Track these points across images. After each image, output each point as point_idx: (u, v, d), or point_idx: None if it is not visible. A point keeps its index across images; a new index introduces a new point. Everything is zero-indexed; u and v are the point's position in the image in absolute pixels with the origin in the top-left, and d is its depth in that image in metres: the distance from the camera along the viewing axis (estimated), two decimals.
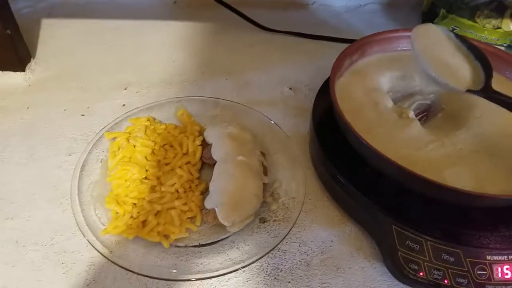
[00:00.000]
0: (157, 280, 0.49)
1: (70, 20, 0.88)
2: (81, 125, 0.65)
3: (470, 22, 0.81)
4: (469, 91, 0.51)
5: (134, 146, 0.57)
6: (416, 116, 0.58)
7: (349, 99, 0.57)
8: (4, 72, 0.71)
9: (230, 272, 0.48)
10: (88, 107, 0.68)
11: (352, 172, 0.52)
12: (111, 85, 0.73)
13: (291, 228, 0.52)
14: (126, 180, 0.54)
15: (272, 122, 0.63)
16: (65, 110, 0.67)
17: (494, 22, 0.81)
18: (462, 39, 0.56)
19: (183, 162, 0.57)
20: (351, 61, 0.62)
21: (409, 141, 0.53)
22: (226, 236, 0.52)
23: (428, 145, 0.53)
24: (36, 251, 0.51)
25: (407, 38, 0.64)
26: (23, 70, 0.72)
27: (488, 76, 0.52)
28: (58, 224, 0.53)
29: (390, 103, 0.58)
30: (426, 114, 0.60)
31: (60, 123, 0.65)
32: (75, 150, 0.61)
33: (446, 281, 0.46)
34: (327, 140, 0.56)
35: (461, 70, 0.54)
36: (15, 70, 0.71)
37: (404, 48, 0.65)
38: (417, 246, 0.48)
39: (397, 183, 0.49)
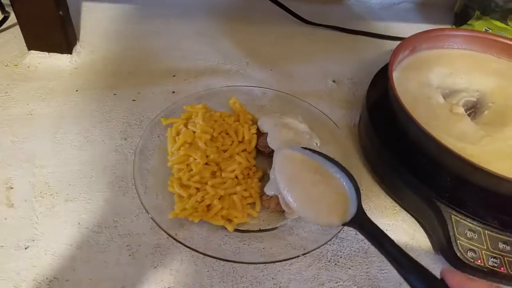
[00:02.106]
0: (223, 263, 0.50)
1: (112, 4, 0.87)
2: (133, 110, 0.65)
3: (502, 25, 0.84)
4: (344, 224, 0.45)
5: (194, 132, 0.57)
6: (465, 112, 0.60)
7: (404, 92, 0.58)
8: (50, 53, 0.71)
9: (294, 257, 0.49)
10: (138, 93, 0.68)
11: (411, 163, 0.54)
12: (159, 71, 0.73)
13: None
14: (187, 165, 0.55)
15: (323, 113, 0.64)
16: (115, 94, 0.67)
17: None
18: (324, 157, 0.50)
19: (240, 150, 0.58)
20: (403, 56, 0.63)
21: (463, 135, 0.55)
22: (285, 222, 0.54)
23: (481, 139, 0.55)
24: (99, 234, 0.51)
25: (454, 36, 0.67)
26: (70, 53, 0.72)
27: (358, 198, 0.46)
28: (120, 207, 0.54)
29: (441, 99, 0.60)
30: (473, 111, 0.62)
31: (112, 107, 0.65)
32: (130, 135, 0.62)
33: (502, 269, 0.48)
34: (383, 132, 0.58)
35: (332, 200, 0.47)
36: (62, 52, 0.71)
37: (450, 47, 0.67)
38: (475, 235, 0.50)
39: (456, 174, 0.51)
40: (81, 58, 0.73)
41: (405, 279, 0.38)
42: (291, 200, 0.47)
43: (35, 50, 0.71)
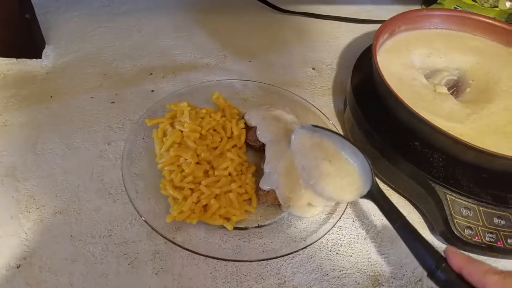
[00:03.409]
0: (225, 263, 0.49)
1: (80, 4, 0.84)
2: (113, 113, 0.63)
3: (470, 1, 0.85)
4: (361, 197, 0.49)
5: (182, 132, 0.56)
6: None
7: (389, 76, 0.58)
8: (19, 59, 0.67)
9: (296, 251, 0.49)
10: (116, 94, 0.66)
11: (402, 146, 0.54)
12: (135, 70, 0.71)
13: (347, 205, 0.53)
14: (178, 166, 0.53)
15: (307, 101, 0.64)
16: (92, 97, 0.65)
17: (492, 1, 0.85)
18: (333, 132, 0.52)
19: (230, 146, 0.57)
20: (383, 40, 0.63)
21: (451, 115, 0.56)
22: (282, 216, 0.53)
23: (468, 117, 0.56)
24: (94, 244, 0.49)
25: (431, 17, 0.68)
26: (39, 57, 0.68)
27: (371, 171, 0.48)
28: (112, 215, 0.52)
29: (424, 79, 0.61)
30: (456, 89, 0.63)
31: (90, 111, 0.63)
32: (113, 139, 0.59)
33: (499, 243, 0.49)
34: (371, 117, 0.57)
35: (346, 177, 0.50)
36: (31, 57, 0.67)
37: (427, 27, 0.68)
38: (470, 213, 0.50)
39: (448, 154, 0.52)
40: (51, 62, 0.70)
41: (412, 253, 0.41)
42: (314, 183, 0.50)
43: (2, 56, 0.67)
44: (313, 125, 0.53)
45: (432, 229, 0.55)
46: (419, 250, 0.41)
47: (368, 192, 0.48)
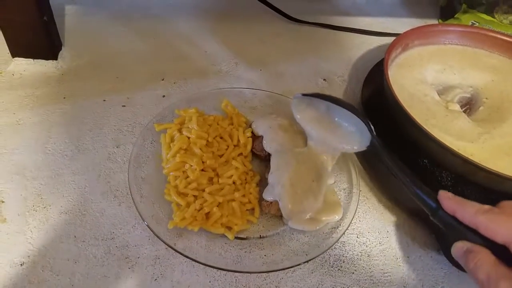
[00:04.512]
0: (224, 272, 0.49)
1: (96, 7, 0.85)
2: (124, 116, 0.64)
3: (489, 18, 0.84)
4: (366, 147, 0.52)
5: (189, 138, 0.56)
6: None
7: (400, 90, 0.57)
8: (35, 60, 0.69)
9: (297, 265, 0.49)
10: (128, 98, 0.66)
11: (411, 163, 0.53)
12: (147, 75, 0.71)
13: (352, 220, 0.53)
14: (183, 172, 0.53)
15: None
16: (104, 100, 0.65)
17: (511, 17, 0.84)
18: (328, 98, 0.55)
19: (236, 154, 0.57)
20: (395, 54, 0.63)
21: (462, 134, 0.55)
22: (285, 227, 0.53)
23: (479, 137, 0.55)
24: (97, 246, 0.49)
25: (446, 32, 0.66)
26: (55, 59, 0.69)
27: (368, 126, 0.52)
28: (116, 218, 0.52)
29: (436, 96, 0.60)
30: (469, 107, 0.62)
31: (102, 113, 0.64)
32: (122, 142, 0.60)
33: None
34: (380, 132, 0.57)
35: (348, 135, 0.54)
36: (47, 58, 0.69)
37: (442, 42, 0.67)
38: None
39: (458, 174, 0.51)
40: (67, 64, 0.71)
41: (415, 198, 0.45)
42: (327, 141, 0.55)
43: (20, 57, 0.69)
44: (303, 94, 0.56)
45: (439, 250, 0.54)
46: (421, 195, 0.44)
47: (370, 145, 0.52)
